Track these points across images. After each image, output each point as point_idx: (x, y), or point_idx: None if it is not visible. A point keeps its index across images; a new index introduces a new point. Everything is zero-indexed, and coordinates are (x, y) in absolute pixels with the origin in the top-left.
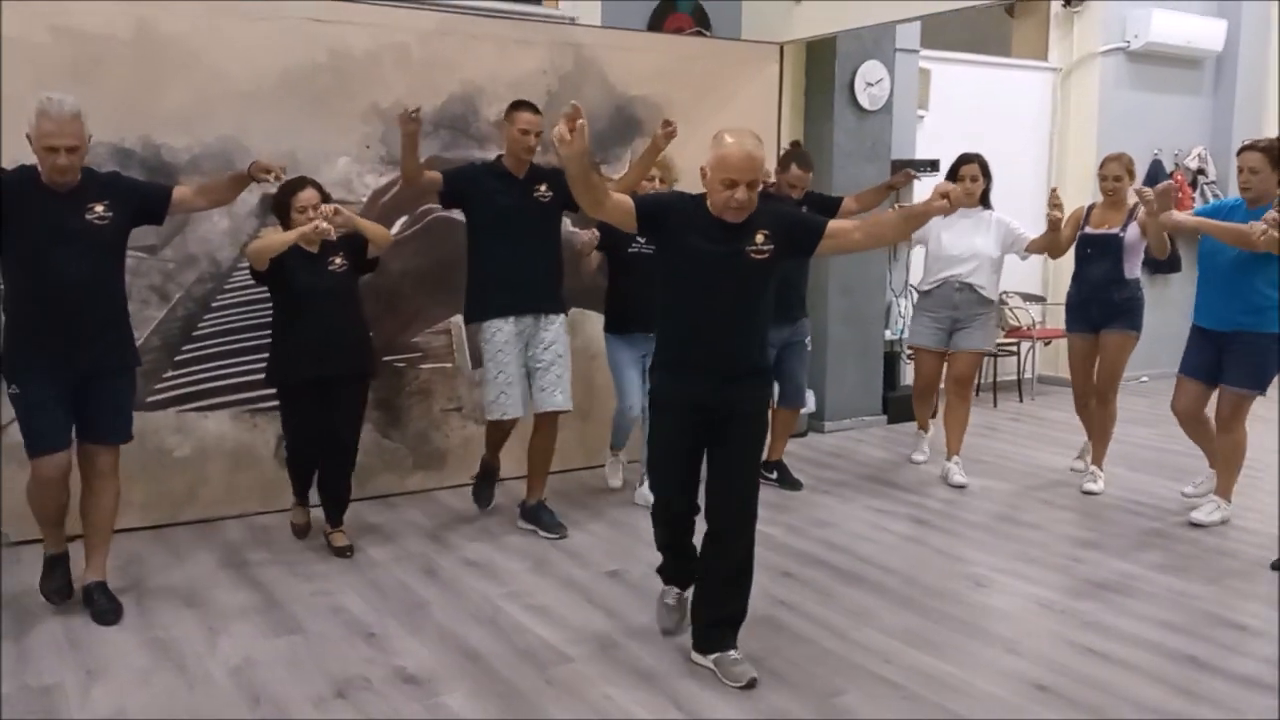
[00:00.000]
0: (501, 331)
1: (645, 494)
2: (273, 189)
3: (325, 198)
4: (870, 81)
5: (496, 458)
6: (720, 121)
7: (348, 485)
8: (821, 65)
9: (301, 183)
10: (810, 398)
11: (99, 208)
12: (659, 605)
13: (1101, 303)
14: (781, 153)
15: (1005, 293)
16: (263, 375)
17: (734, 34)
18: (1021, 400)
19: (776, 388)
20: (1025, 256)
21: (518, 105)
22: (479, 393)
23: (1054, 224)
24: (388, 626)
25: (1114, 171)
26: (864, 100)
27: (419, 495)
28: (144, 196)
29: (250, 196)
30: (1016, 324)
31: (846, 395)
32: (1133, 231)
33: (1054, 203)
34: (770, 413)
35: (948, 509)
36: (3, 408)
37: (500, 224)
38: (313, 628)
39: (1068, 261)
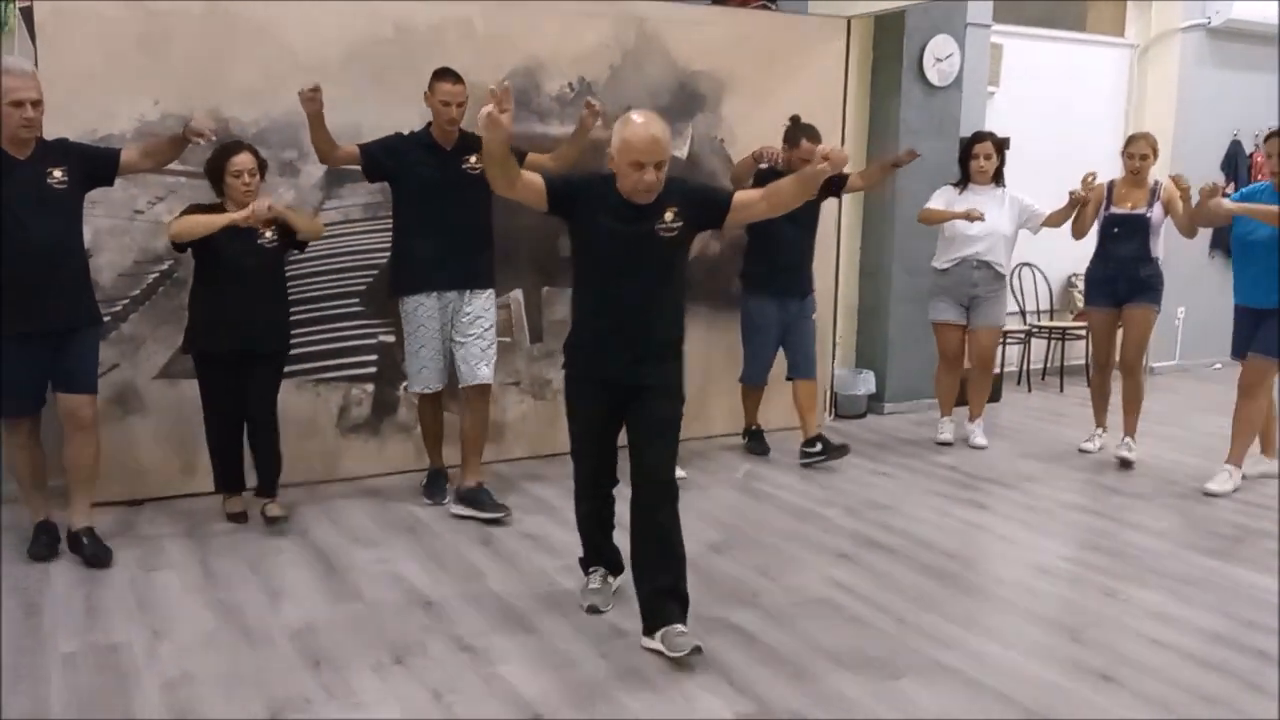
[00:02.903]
0: (423, 306)
1: None
2: (207, 150)
3: (261, 163)
4: (940, 57)
5: (440, 456)
6: (786, 97)
7: (278, 456)
8: (890, 40)
9: (237, 146)
10: (870, 378)
11: (57, 173)
12: (583, 590)
13: (1128, 279)
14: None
15: (1074, 275)
16: (323, 346)
17: (800, 8)
18: (1089, 386)
19: (786, 360)
20: (1038, 231)
21: (440, 75)
22: (537, 367)
23: (1077, 200)
24: (445, 596)
25: (1141, 150)
26: (933, 76)
27: None
28: (95, 160)
29: (315, 170)
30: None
31: (907, 377)
32: (1158, 212)
33: (1087, 184)
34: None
35: (1009, 494)
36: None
37: (425, 197)
38: (372, 595)
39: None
